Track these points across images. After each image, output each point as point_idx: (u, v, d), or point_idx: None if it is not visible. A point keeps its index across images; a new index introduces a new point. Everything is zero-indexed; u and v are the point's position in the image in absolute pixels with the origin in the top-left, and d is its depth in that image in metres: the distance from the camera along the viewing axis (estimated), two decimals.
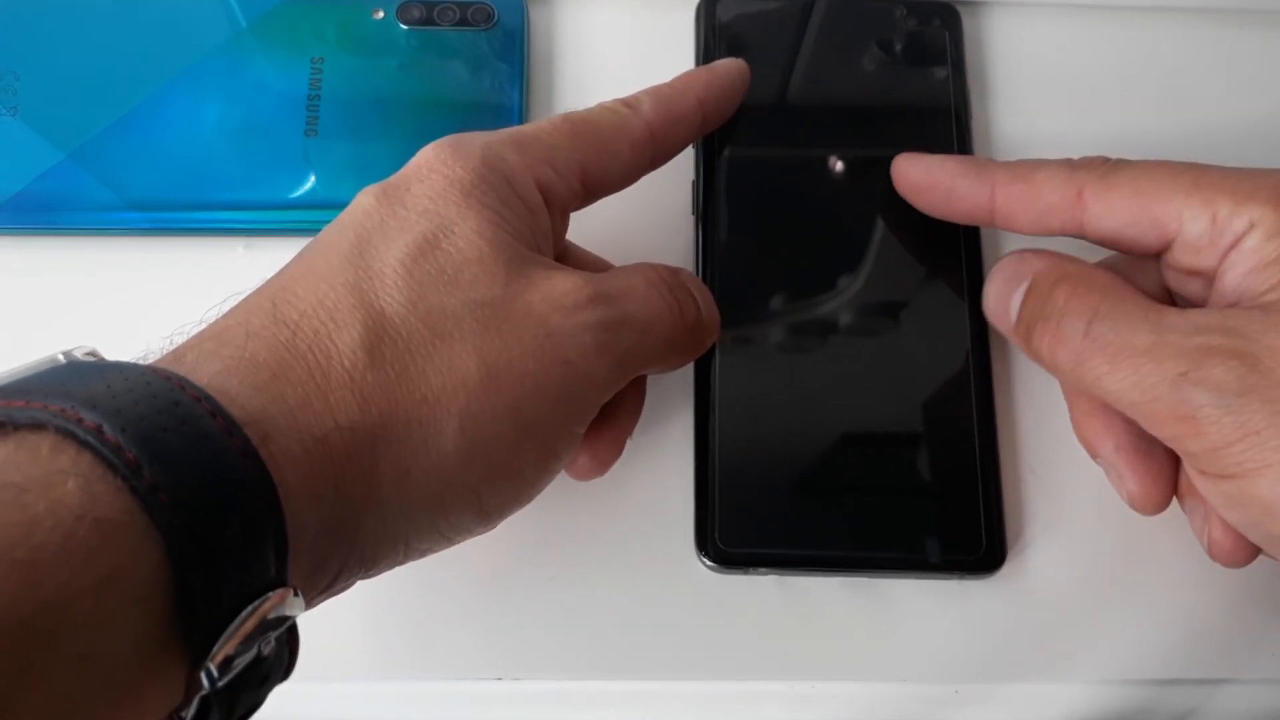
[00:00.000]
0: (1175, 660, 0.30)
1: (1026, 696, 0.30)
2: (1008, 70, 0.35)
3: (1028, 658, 0.30)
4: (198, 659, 0.18)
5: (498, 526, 0.27)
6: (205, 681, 0.18)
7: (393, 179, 0.25)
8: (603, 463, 0.29)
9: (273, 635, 0.19)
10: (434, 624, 0.30)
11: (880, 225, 0.32)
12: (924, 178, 0.30)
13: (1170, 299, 0.29)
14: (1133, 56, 0.36)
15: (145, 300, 0.33)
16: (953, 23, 0.35)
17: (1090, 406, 0.28)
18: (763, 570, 0.30)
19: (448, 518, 0.24)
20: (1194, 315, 0.25)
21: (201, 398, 0.19)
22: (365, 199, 0.25)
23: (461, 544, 0.25)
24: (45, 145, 0.33)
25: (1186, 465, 0.27)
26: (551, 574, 0.30)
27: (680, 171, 0.34)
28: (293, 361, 0.21)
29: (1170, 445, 0.26)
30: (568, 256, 0.29)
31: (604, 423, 0.28)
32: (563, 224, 0.28)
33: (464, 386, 0.23)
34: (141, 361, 0.21)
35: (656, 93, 0.29)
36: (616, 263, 0.30)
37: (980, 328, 0.31)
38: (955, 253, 0.32)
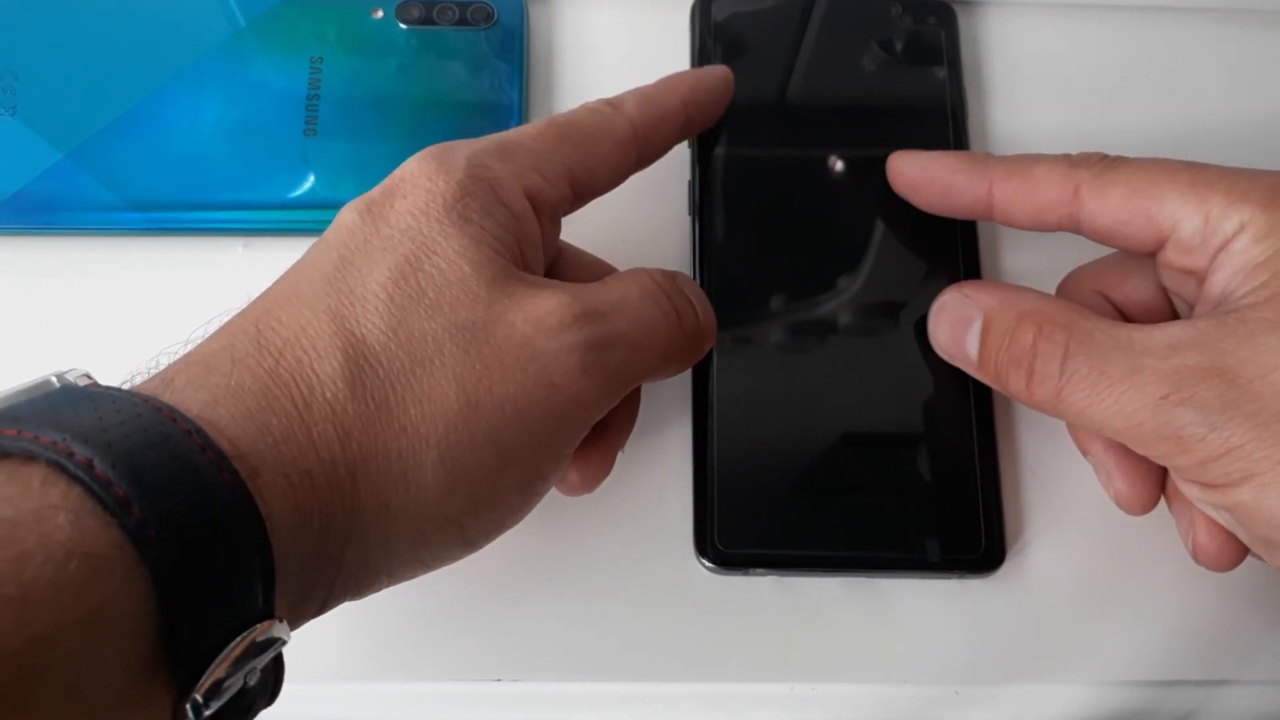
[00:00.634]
0: (1175, 661, 0.30)
1: (1027, 697, 0.30)
2: (1004, 69, 0.35)
3: (1028, 658, 0.30)
4: (184, 690, 0.18)
5: None
6: (191, 713, 0.18)
7: (376, 193, 0.25)
8: (592, 479, 0.28)
9: (258, 666, 0.19)
10: (433, 625, 0.30)
11: (877, 224, 0.32)
12: (920, 174, 0.30)
13: (1167, 298, 0.29)
14: (1130, 56, 0.36)
15: (144, 300, 0.33)
16: (949, 22, 0.35)
17: None
18: (762, 571, 0.30)
19: (429, 549, 0.24)
20: (1168, 332, 0.25)
21: (192, 431, 0.19)
22: (349, 216, 0.25)
23: None
24: (44, 145, 0.33)
25: (1174, 475, 0.27)
26: (550, 575, 0.30)
27: (676, 172, 0.34)
28: (277, 391, 0.21)
29: (1158, 462, 0.26)
30: (563, 260, 0.29)
31: (594, 439, 0.28)
32: (553, 229, 0.27)
33: (443, 416, 0.22)
34: (130, 384, 0.21)
35: (640, 92, 0.29)
36: (614, 264, 0.30)
37: None
38: (952, 251, 0.32)
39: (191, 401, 0.21)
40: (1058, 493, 0.31)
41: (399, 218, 0.24)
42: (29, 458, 0.18)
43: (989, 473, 0.30)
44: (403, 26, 0.35)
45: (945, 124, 0.34)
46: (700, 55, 0.34)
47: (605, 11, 0.36)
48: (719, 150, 0.33)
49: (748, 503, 0.30)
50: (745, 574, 0.30)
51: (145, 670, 0.18)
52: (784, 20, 0.35)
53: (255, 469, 0.20)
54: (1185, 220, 0.26)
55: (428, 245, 0.24)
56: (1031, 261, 0.33)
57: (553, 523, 0.30)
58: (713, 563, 0.29)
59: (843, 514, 0.30)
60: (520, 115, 0.34)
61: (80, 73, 0.34)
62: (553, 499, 0.29)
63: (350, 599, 0.23)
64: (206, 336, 0.23)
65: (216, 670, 0.18)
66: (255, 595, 0.19)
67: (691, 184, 0.33)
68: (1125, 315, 0.29)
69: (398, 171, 0.25)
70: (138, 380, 0.22)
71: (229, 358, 0.22)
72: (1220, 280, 0.26)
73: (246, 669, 0.19)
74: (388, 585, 0.24)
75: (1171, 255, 0.27)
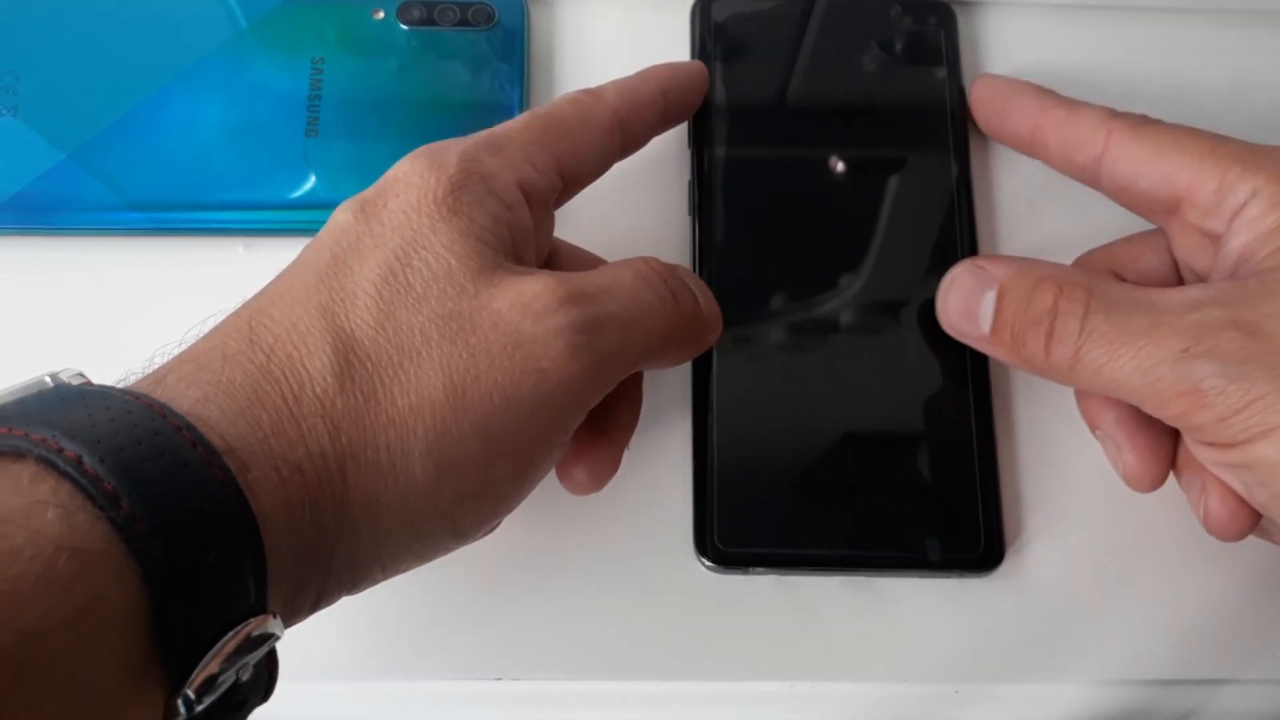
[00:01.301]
0: (1175, 660, 0.30)
1: (1026, 696, 0.30)
2: (1003, 70, 0.35)
3: (1027, 657, 0.30)
4: (177, 686, 0.18)
5: (496, 528, 0.27)
6: (182, 708, 0.18)
7: (370, 193, 0.25)
8: (600, 478, 0.28)
9: (251, 661, 0.19)
10: (433, 624, 0.30)
11: (878, 225, 0.32)
12: (992, 91, 0.33)
13: (1179, 278, 0.29)
14: (1130, 56, 0.36)
15: (145, 300, 0.33)
16: (948, 22, 0.35)
17: None
18: (762, 570, 0.30)
19: (421, 541, 0.24)
20: (1186, 292, 0.25)
21: (183, 426, 0.19)
22: (343, 215, 0.25)
23: None
24: (45, 145, 0.33)
25: (1188, 439, 0.27)
26: (550, 574, 0.30)
27: (676, 172, 0.34)
28: (268, 387, 0.22)
29: (1174, 424, 0.26)
30: (560, 256, 0.29)
31: (598, 436, 0.28)
32: (546, 220, 0.27)
33: (430, 407, 0.22)
34: (124, 383, 0.22)
35: (618, 82, 0.30)
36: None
37: None
38: (953, 252, 0.32)
39: (182, 398, 0.21)
40: (1057, 491, 0.31)
41: (391, 215, 0.24)
42: (18, 455, 0.18)
43: (988, 472, 0.30)
44: (404, 27, 0.35)
45: (945, 124, 0.34)
46: (700, 55, 0.34)
47: (606, 12, 0.36)
48: (719, 150, 0.33)
49: (748, 502, 0.30)
50: (745, 573, 0.30)
51: (137, 665, 0.18)
52: (784, 20, 0.35)
53: (246, 464, 0.20)
54: (1200, 185, 0.27)
55: (417, 240, 0.24)
56: None
57: (553, 521, 0.30)
58: (713, 562, 0.29)
59: (842, 513, 0.30)
60: None
61: (81, 73, 0.34)
62: (553, 498, 0.29)
63: (345, 594, 0.23)
64: (201, 335, 0.23)
65: (209, 665, 0.19)
66: (247, 590, 0.19)
67: (691, 184, 0.33)
68: None
69: (391, 171, 0.26)
70: (131, 379, 0.22)
71: (221, 355, 0.22)
72: (1236, 246, 0.26)
73: (239, 664, 0.19)
74: (382, 579, 0.24)
75: (1191, 216, 0.27)
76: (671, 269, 0.28)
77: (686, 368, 0.31)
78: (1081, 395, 0.30)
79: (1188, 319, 0.24)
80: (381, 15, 0.35)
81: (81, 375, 0.21)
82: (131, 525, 0.18)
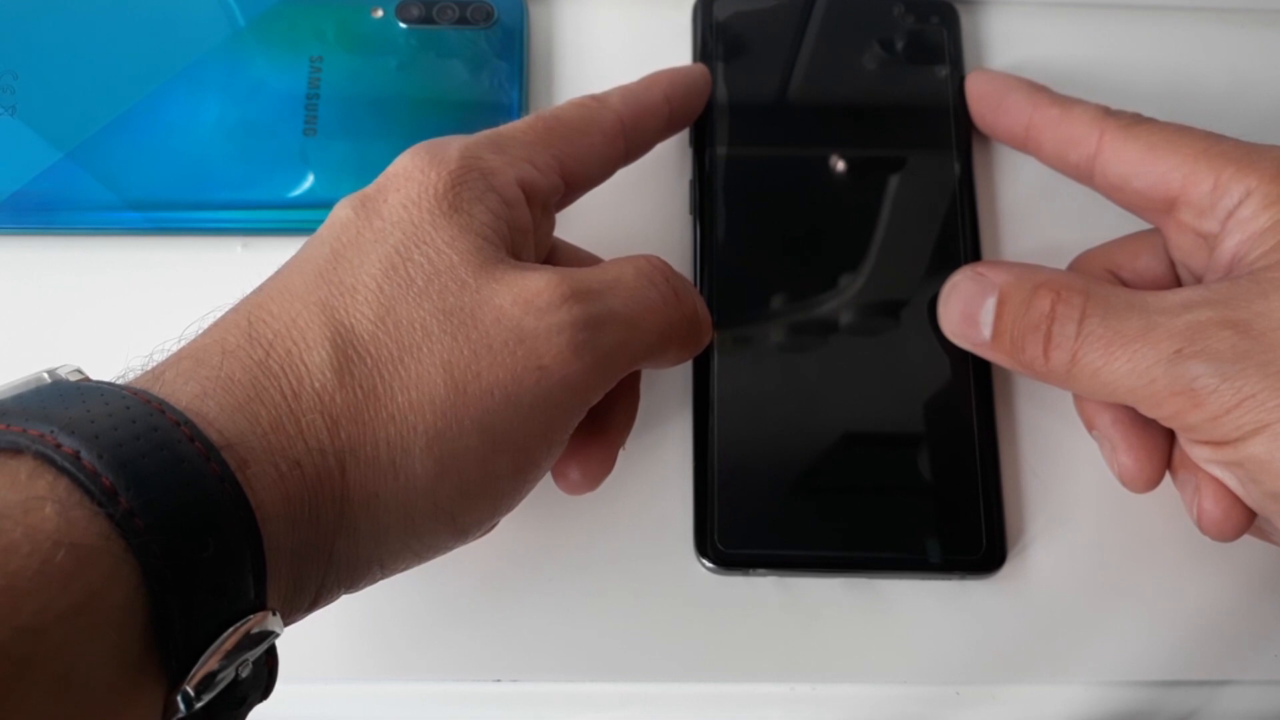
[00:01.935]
0: (1176, 661, 0.30)
1: (1027, 697, 0.30)
2: (1006, 68, 0.35)
3: (1029, 658, 0.30)
4: (175, 682, 0.18)
5: (495, 528, 0.27)
6: (181, 704, 0.18)
7: (370, 189, 0.25)
8: (594, 477, 0.28)
9: (250, 658, 0.19)
10: (432, 625, 0.30)
11: (878, 224, 0.32)
12: (986, 87, 0.33)
13: (1176, 278, 0.29)
14: (1131, 55, 0.36)
15: (143, 300, 0.33)
16: (951, 21, 0.35)
17: None
18: (762, 571, 0.30)
19: (421, 538, 0.23)
20: (1181, 294, 0.26)
21: (181, 422, 0.19)
22: (343, 211, 0.25)
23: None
24: (43, 145, 0.33)
25: (1183, 439, 0.27)
26: (550, 575, 0.30)
27: (677, 172, 0.33)
28: (267, 383, 0.21)
29: (1169, 424, 0.26)
30: (559, 255, 0.29)
31: (594, 435, 0.28)
32: (546, 220, 0.27)
33: (430, 402, 0.22)
34: (123, 379, 0.21)
35: (624, 88, 0.30)
36: None
37: None
38: (954, 252, 0.32)
39: (181, 394, 0.21)
40: (1059, 493, 0.31)
41: (391, 211, 0.24)
42: (16, 450, 0.18)
43: (990, 473, 0.30)
44: (402, 26, 0.35)
45: (948, 124, 0.34)
46: (702, 55, 0.34)
47: (606, 11, 0.36)
48: (720, 150, 0.33)
49: (748, 503, 0.30)
50: (745, 574, 0.30)
51: (136, 661, 0.18)
52: (786, 20, 0.35)
53: (244, 459, 0.20)
54: (1196, 184, 0.27)
55: (418, 235, 0.24)
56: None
57: (552, 522, 0.30)
58: (713, 563, 0.29)
59: (843, 514, 0.30)
60: (520, 114, 0.34)
61: (80, 72, 0.34)
62: (552, 498, 0.29)
63: (345, 591, 0.23)
64: (200, 331, 0.23)
65: (208, 662, 0.18)
66: (246, 586, 0.19)
67: (692, 184, 0.33)
68: None
69: (391, 166, 0.25)
70: (130, 376, 0.22)
71: (220, 350, 0.22)
72: (1230, 246, 0.26)
73: (239, 661, 0.19)
74: (381, 577, 0.24)
75: (1186, 217, 0.28)
76: (672, 269, 0.27)
77: (686, 368, 0.31)
78: (1078, 398, 0.30)
79: (1181, 320, 0.25)
80: (380, 13, 0.35)
81: (80, 371, 0.21)
82: (129, 521, 0.18)
